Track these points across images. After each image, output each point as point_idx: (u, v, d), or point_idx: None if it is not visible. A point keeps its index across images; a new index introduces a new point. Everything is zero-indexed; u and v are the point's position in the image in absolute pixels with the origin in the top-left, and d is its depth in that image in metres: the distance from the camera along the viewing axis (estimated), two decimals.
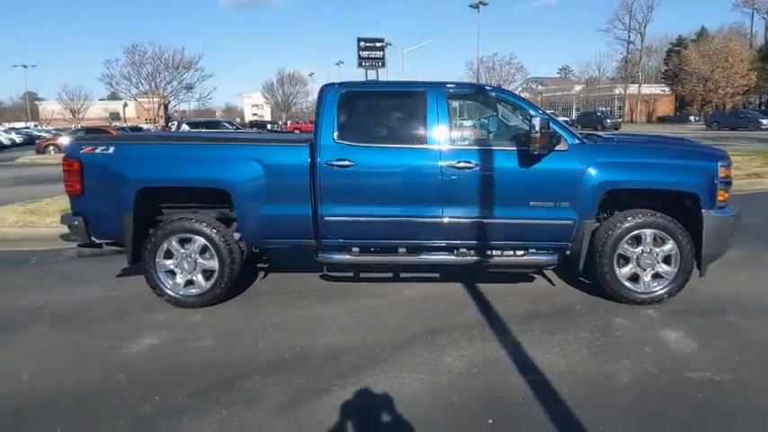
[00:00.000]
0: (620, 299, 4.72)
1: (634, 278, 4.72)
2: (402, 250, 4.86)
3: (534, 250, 4.81)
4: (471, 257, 4.79)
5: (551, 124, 4.49)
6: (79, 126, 47.27)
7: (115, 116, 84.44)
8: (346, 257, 4.83)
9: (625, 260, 4.70)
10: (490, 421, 3.05)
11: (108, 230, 4.87)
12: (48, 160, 24.65)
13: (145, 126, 36.73)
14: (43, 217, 8.59)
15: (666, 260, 4.68)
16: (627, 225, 4.62)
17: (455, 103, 4.94)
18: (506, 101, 5.05)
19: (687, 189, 4.59)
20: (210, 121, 36.27)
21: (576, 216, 4.61)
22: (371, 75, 71.92)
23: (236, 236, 4.88)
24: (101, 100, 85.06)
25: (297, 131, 56.41)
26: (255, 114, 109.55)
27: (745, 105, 64.40)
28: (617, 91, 71.70)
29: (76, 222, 4.81)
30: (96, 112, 77.84)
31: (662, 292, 4.69)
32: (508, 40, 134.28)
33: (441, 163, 4.60)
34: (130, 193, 4.68)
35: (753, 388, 3.33)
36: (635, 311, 4.60)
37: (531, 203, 4.62)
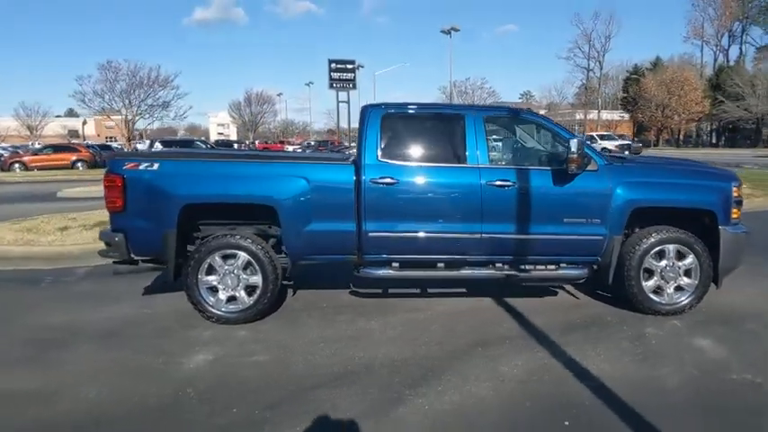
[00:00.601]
0: (645, 310, 4.99)
1: (657, 290, 5.01)
2: (441, 265, 5.03)
3: (565, 265, 5.05)
4: (508, 272, 5.00)
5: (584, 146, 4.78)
6: (37, 144, 45.89)
7: (74, 133, 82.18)
8: (389, 272, 4.96)
9: (649, 273, 4.99)
10: (566, 423, 3.22)
11: (149, 247, 4.88)
12: (15, 178, 23.87)
13: (115, 144, 35.97)
14: (43, 235, 8.40)
15: (687, 273, 4.99)
16: (652, 240, 4.92)
17: (491, 125, 5.17)
18: (539, 123, 5.34)
19: (706, 207, 4.93)
20: (184, 140, 35.84)
21: (607, 232, 4.89)
22: (342, 96, 72.64)
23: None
24: (57, 117, 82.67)
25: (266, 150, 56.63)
26: (221, 134, 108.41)
27: (698, 132, 67.57)
28: (577, 116, 74.20)
29: (117, 239, 4.80)
30: (54, 129, 75.48)
31: (684, 303, 4.98)
32: (478, 65, 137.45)
33: (481, 181, 4.82)
34: (175, 210, 4.72)
35: None
36: (661, 322, 4.88)
37: (565, 220, 4.88)
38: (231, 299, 4.88)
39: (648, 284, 4.97)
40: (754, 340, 4.47)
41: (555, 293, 5.73)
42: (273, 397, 3.55)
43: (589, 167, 4.83)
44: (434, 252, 4.97)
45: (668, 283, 4.99)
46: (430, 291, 5.75)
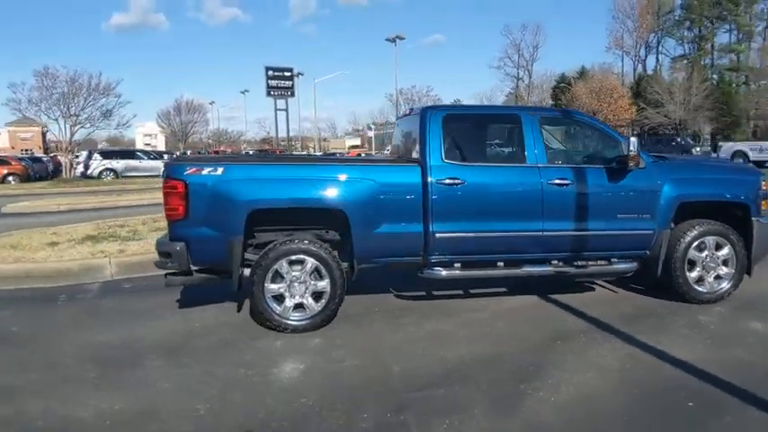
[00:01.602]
0: (690, 300, 5.28)
1: (699, 280, 5.32)
2: (500, 264, 5.13)
3: (616, 259, 5.28)
4: (564, 268, 5.17)
5: None
6: None
7: None
8: (453, 273, 5.00)
9: (692, 264, 5.30)
10: (690, 404, 3.38)
11: (211, 256, 4.70)
12: None
13: (45, 157, 33.79)
14: (31, 252, 7.81)
15: (725, 263, 5.34)
16: (695, 233, 5.23)
17: (546, 126, 5.33)
18: (588, 123, 5.57)
19: (741, 200, 5.32)
20: (125, 150, 34.27)
21: (656, 226, 5.16)
22: (281, 104, 71.61)
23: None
24: None
25: None
26: (148, 144, 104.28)
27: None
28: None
29: (178, 248, 4.58)
30: None
31: (723, 290, 5.33)
32: (421, 73, 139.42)
33: (541, 180, 4.97)
34: (242, 216, 4.57)
35: None
36: (706, 310, 5.18)
37: (619, 216, 5.12)
38: (298, 306, 4.76)
39: (692, 275, 5.28)
40: None
41: (593, 289, 5.96)
42: (394, 399, 3.51)
43: (639, 165, 5.08)
44: (497, 251, 5.07)
45: (708, 272, 5.32)
46: (472, 291, 5.83)
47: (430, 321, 5.00)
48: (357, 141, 64.78)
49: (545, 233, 5.02)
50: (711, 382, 3.67)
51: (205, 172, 4.57)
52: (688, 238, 5.22)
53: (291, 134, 73.95)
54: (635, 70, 74.14)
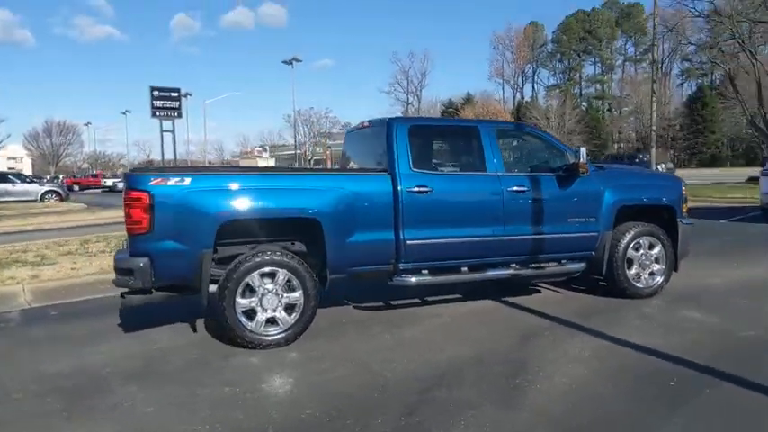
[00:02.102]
0: (630, 295, 5.75)
1: (636, 277, 5.82)
2: (464, 269, 5.27)
3: (565, 261, 5.64)
4: (524, 270, 5.43)
5: None
6: None
7: None
8: (423, 279, 5.07)
9: (629, 263, 5.79)
10: (671, 383, 3.68)
11: (177, 271, 4.39)
12: None
13: None
14: None
15: (657, 260, 5.89)
16: (632, 234, 5.73)
17: (501, 137, 5.58)
18: (538, 135, 5.92)
19: (670, 204, 5.92)
20: None
21: (600, 228, 5.59)
22: (167, 125, 68.35)
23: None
24: None
25: (76, 186, 50.60)
26: (12, 168, 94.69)
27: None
28: None
29: (142, 264, 4.22)
30: None
31: (657, 285, 5.87)
32: (315, 94, 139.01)
33: (501, 187, 5.21)
34: (212, 228, 4.34)
35: None
36: (647, 303, 5.66)
37: (569, 220, 5.49)
38: (270, 320, 4.56)
39: (631, 272, 5.77)
40: (727, 307, 5.43)
41: (540, 291, 6.29)
42: (402, 403, 3.47)
43: (587, 173, 5.49)
44: (462, 256, 5.21)
45: (644, 269, 5.84)
46: (427, 299, 5.94)
47: (399, 329, 5.00)
48: (266, 162, 62.88)
49: (505, 237, 5.25)
50: (680, 363, 4.02)
51: (171, 182, 4.29)
52: (626, 239, 5.71)
53: (177, 156, 70.71)
54: (514, 97, 79.82)
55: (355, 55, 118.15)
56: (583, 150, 5.28)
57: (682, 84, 66.60)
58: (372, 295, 5.88)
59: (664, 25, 21.78)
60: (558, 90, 72.91)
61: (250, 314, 4.50)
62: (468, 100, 74.67)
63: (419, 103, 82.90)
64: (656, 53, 25.77)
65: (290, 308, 4.61)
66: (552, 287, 6.40)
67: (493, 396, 3.55)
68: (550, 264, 5.59)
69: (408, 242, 4.91)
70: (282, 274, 4.55)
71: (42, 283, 6.81)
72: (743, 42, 19.03)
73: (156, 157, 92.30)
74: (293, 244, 4.91)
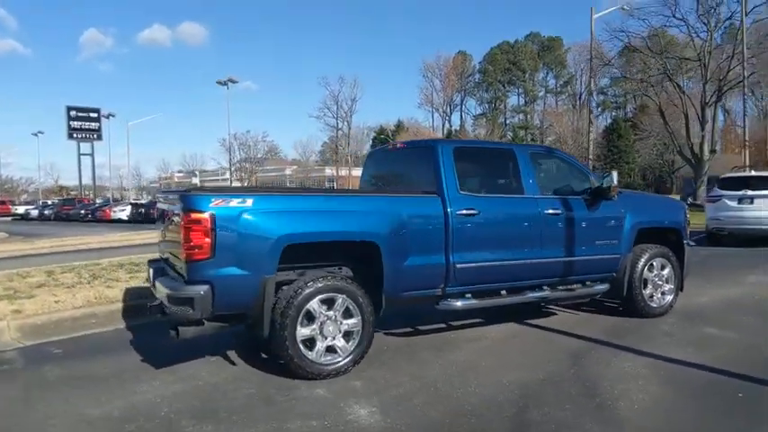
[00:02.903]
0: (645, 314, 6.04)
1: (650, 297, 6.12)
2: (503, 292, 5.33)
3: (590, 283, 5.83)
4: (558, 293, 5.57)
5: None
6: None
7: None
8: (469, 303, 5.07)
9: (644, 283, 6.08)
10: (740, 395, 3.89)
11: (238, 299, 4.16)
12: None
13: None
14: None
15: (667, 280, 6.23)
16: (647, 255, 6.04)
17: (534, 160, 5.72)
18: (565, 159, 6.12)
19: (678, 227, 6.30)
20: None
21: (623, 250, 5.85)
22: (85, 147, 64.85)
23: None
24: None
25: None
26: None
27: None
28: (328, 172, 78.75)
29: (202, 293, 3.96)
30: None
31: (667, 304, 6.20)
32: (239, 118, 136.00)
33: (539, 210, 5.35)
34: (276, 252, 4.16)
35: None
36: (663, 322, 5.96)
37: (596, 242, 5.71)
38: (329, 349, 4.41)
39: (646, 292, 6.06)
40: (736, 324, 5.80)
41: (556, 314, 6.46)
42: (506, 425, 3.46)
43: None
44: (504, 279, 5.28)
45: (656, 289, 6.15)
46: (452, 323, 5.95)
47: (448, 354, 4.98)
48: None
49: (543, 260, 5.38)
50: (730, 375, 4.26)
51: (233, 204, 4.08)
52: (643, 260, 6.01)
53: (87, 181, 67.11)
54: (443, 125, 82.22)
55: (280, 79, 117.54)
56: (615, 175, 5.54)
57: (598, 116, 71.19)
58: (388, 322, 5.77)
59: (599, 59, 23.42)
60: (485, 119, 75.89)
61: (309, 343, 4.33)
62: (399, 126, 76.12)
63: (349, 128, 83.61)
64: (593, 84, 27.44)
65: (347, 335, 4.47)
66: (565, 309, 6.58)
67: (587, 416, 3.60)
68: (578, 285, 5.76)
69: (458, 266, 4.92)
70: (341, 300, 4.42)
71: (28, 319, 6.19)
72: (671, 77, 20.75)
73: (65, 182, 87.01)
74: (340, 269, 4.78)
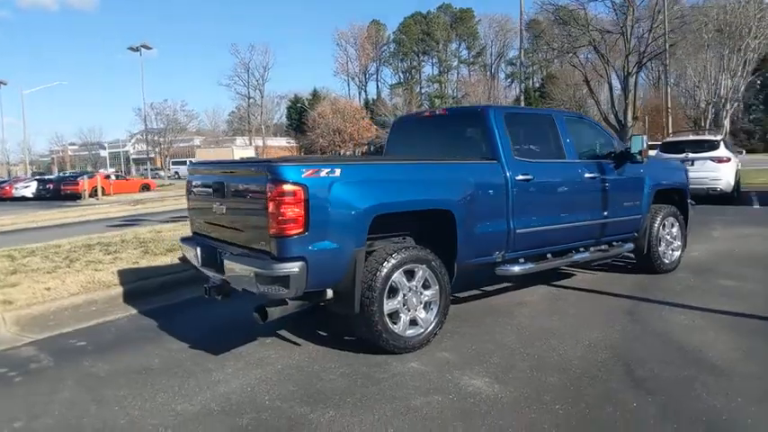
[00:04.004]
0: (659, 270, 6.37)
1: (663, 253, 6.46)
2: (549, 256, 5.41)
3: (617, 243, 6.06)
4: (597, 253, 5.73)
5: None
6: None
7: None
8: (526, 267, 5.09)
9: (659, 241, 6.40)
10: None
11: (331, 275, 3.90)
12: None
13: None
14: None
15: (676, 238, 6.60)
16: (661, 215, 6.35)
17: (570, 125, 5.75)
18: (592, 124, 6.22)
19: (683, 187, 6.67)
20: None
21: (644, 210, 6.11)
22: None
23: None
24: None
25: None
26: None
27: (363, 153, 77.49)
28: (239, 142, 75.64)
29: (297, 270, 3.66)
30: None
31: (676, 260, 6.59)
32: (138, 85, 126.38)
33: (581, 174, 5.44)
34: (365, 224, 3.94)
35: None
36: (674, 276, 6.33)
37: (624, 204, 5.92)
38: (412, 321, 4.27)
39: (660, 250, 6.39)
40: (748, 276, 6.22)
41: (575, 274, 6.66)
42: (630, 386, 3.52)
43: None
44: (553, 243, 5.34)
45: (668, 246, 6.51)
46: (486, 289, 6.00)
47: (507, 319, 4.97)
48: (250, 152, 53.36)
49: (585, 222, 5.51)
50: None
51: (323, 174, 3.78)
52: (658, 220, 6.31)
53: None
54: (360, 94, 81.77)
55: (184, 44, 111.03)
56: (645, 138, 5.73)
57: (508, 86, 73.76)
58: None
59: (530, 33, 23.96)
60: (401, 88, 76.14)
61: (393, 317, 4.16)
62: (315, 95, 74.76)
63: (262, 97, 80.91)
64: (522, 56, 28.09)
65: (426, 306, 4.35)
66: (580, 270, 6.80)
67: (691, 368, 3.75)
68: (612, 245, 5.95)
69: (517, 231, 4.91)
70: (422, 271, 4.28)
71: (22, 310, 5.50)
72: (597, 49, 21.82)
73: None
74: (404, 239, 4.62)
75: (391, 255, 4.10)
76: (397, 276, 4.14)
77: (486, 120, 5.00)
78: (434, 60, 79.32)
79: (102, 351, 4.58)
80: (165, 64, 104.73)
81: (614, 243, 6.03)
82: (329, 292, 4.04)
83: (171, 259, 7.53)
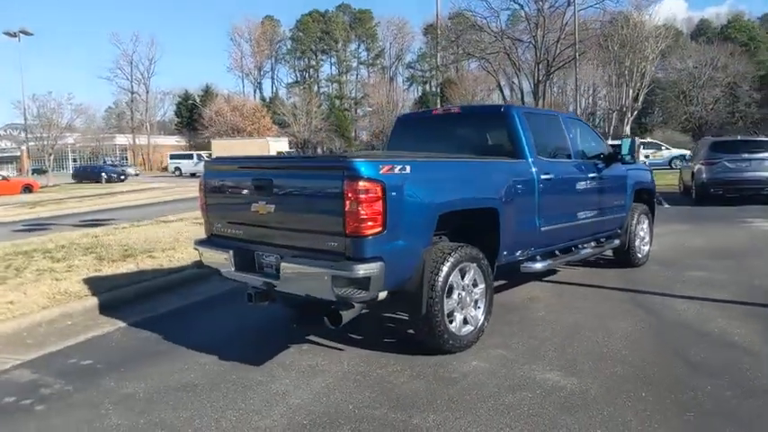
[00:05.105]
0: (634, 264, 6.84)
1: (639, 248, 6.93)
2: (557, 252, 5.61)
3: (604, 239, 6.42)
4: (596, 249, 6.04)
5: None
6: None
7: None
8: (546, 263, 5.25)
9: (635, 237, 6.88)
10: None
11: (403, 275, 3.78)
12: None
13: None
14: None
15: (647, 233, 7.13)
16: (638, 212, 6.83)
17: (571, 126, 5.97)
18: (586, 126, 6.50)
19: (652, 187, 7.21)
20: None
21: (627, 208, 6.54)
22: None
23: None
24: None
25: None
26: None
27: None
28: (118, 141, 70.23)
29: (377, 271, 3.49)
30: None
31: (647, 253, 7.12)
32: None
33: (586, 173, 5.71)
34: (433, 222, 3.87)
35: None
36: (647, 269, 6.84)
37: (615, 202, 6.29)
38: (464, 320, 4.24)
39: (636, 244, 6.87)
40: (712, 267, 6.85)
41: (559, 270, 6.95)
42: (693, 366, 3.75)
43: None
44: (565, 239, 5.55)
45: (641, 241, 7.01)
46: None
47: (529, 313, 5.13)
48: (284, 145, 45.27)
49: (588, 220, 5.78)
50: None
51: (397, 171, 3.63)
52: (636, 217, 6.78)
53: None
54: (255, 92, 79.62)
55: (62, 32, 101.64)
56: (637, 140, 6.12)
57: (407, 89, 75.39)
58: None
59: (446, 38, 24.83)
60: (299, 87, 75.09)
61: (450, 316, 4.11)
62: (208, 92, 71.62)
63: (147, 92, 75.85)
64: (438, 59, 28.83)
65: (475, 304, 4.34)
66: (564, 267, 7.10)
67: (733, 351, 4.07)
68: (601, 242, 6.29)
69: (542, 229, 5.05)
70: (473, 270, 4.27)
71: None
72: (509, 56, 23.04)
73: None
74: (440, 238, 4.58)
75: (450, 254, 4.04)
76: (454, 276, 4.09)
77: (511, 119, 5.08)
78: (333, 60, 79.10)
79: (118, 369, 4.08)
80: (46, 53, 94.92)
81: (604, 239, 6.39)
82: (382, 295, 3.89)
83: (134, 266, 6.90)
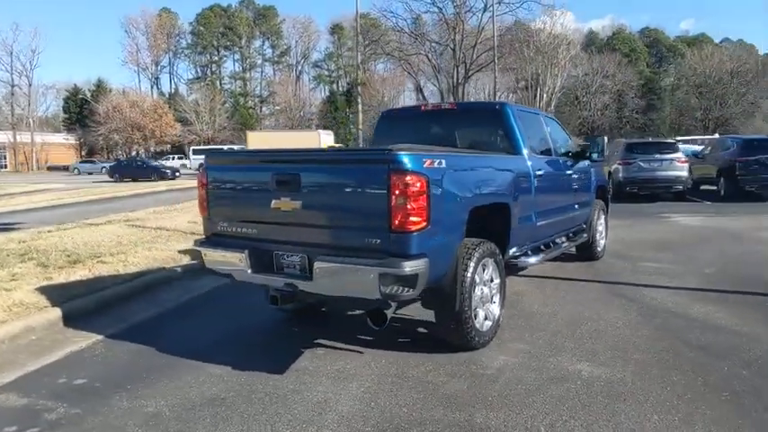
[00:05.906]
0: (594, 257, 7.22)
1: (597, 242, 7.33)
2: (542, 246, 5.78)
3: (573, 234, 6.71)
4: (570, 243, 6.29)
5: None
6: None
7: None
8: (538, 257, 5.38)
9: (595, 231, 7.26)
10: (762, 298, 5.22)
11: (442, 271, 3.71)
12: None
13: None
14: None
15: (604, 228, 7.55)
16: (597, 208, 7.21)
17: (548, 124, 6.14)
18: (557, 123, 6.67)
19: (606, 184, 7.67)
20: None
21: (592, 204, 6.89)
22: None
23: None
24: None
25: None
26: None
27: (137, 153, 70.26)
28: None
29: (423, 267, 3.39)
30: None
31: (603, 247, 7.54)
32: None
33: (565, 169, 5.94)
34: (465, 217, 3.84)
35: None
36: (608, 261, 7.26)
37: (584, 198, 6.60)
38: (485, 316, 4.25)
39: (597, 239, 7.26)
40: (664, 258, 7.39)
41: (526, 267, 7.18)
42: (716, 352, 4.01)
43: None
44: (550, 234, 5.72)
45: (600, 235, 7.41)
46: None
47: (526, 307, 5.25)
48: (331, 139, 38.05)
49: (567, 215, 6.02)
50: (728, 292, 5.62)
51: (436, 164, 3.55)
52: (596, 212, 7.16)
53: None
54: (152, 88, 75.38)
55: None
56: (605, 139, 6.45)
57: (314, 89, 74.71)
58: None
59: (367, 38, 24.82)
60: (201, 84, 72.06)
61: (475, 312, 4.10)
62: (100, 86, 66.86)
63: (30, 86, 69.31)
64: (359, 59, 28.72)
65: (491, 299, 4.37)
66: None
67: (732, 335, 4.40)
68: (575, 235, 6.56)
69: (537, 223, 5.18)
70: (491, 265, 4.29)
71: None
72: (429, 58, 23.55)
73: None
74: None
75: (474, 249, 4.02)
76: (478, 271, 4.08)
77: (506, 116, 5.17)
78: (237, 57, 76.68)
79: (124, 387, 3.66)
80: None
81: (573, 234, 6.67)
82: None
83: (87, 272, 6.26)
